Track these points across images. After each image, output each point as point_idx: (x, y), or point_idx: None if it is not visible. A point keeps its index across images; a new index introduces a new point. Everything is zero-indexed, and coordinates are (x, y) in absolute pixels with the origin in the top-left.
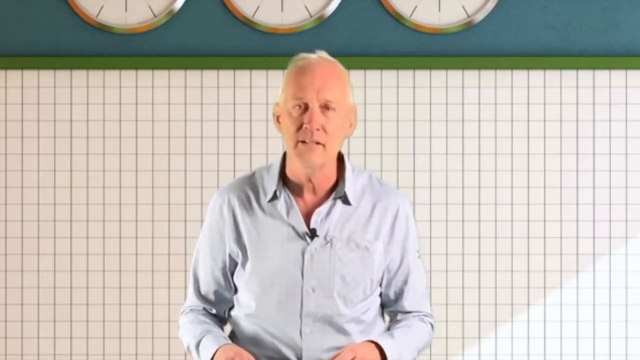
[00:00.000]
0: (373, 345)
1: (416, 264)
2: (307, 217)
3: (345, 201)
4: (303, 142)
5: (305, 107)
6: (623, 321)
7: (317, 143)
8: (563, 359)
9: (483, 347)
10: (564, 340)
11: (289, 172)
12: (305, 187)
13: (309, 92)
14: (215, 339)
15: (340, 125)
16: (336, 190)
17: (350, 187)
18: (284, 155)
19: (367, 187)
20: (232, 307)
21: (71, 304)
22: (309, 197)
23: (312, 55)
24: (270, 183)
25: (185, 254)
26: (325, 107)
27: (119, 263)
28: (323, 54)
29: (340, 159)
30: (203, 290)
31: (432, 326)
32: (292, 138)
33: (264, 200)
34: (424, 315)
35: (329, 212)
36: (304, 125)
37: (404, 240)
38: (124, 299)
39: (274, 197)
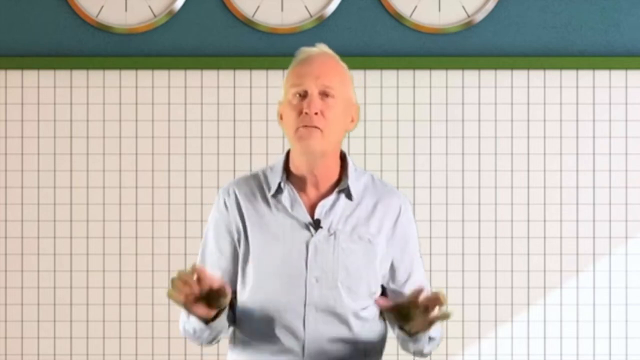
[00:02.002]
0: None
1: (419, 264)
2: (311, 211)
3: (348, 196)
4: (302, 127)
5: (305, 94)
6: (623, 321)
7: (316, 127)
8: (563, 359)
9: (483, 347)
10: (564, 340)
11: (292, 167)
12: (309, 181)
13: (308, 79)
14: None
15: (340, 115)
16: (340, 184)
17: (353, 182)
18: (287, 153)
19: (369, 186)
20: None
21: (71, 304)
22: (312, 191)
23: (313, 49)
24: (274, 178)
25: (185, 254)
26: (324, 93)
27: (119, 263)
28: (323, 46)
29: (342, 157)
30: None
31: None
32: (293, 125)
33: (268, 194)
34: None
35: (332, 205)
36: (304, 111)
37: (406, 237)
38: (124, 299)
39: (278, 190)
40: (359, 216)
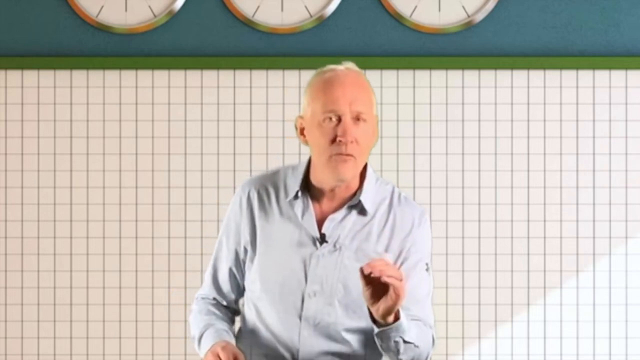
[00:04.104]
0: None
1: (420, 273)
2: (321, 223)
3: (361, 211)
4: (336, 154)
5: (338, 120)
6: (623, 321)
7: (350, 155)
8: (563, 359)
9: (483, 347)
10: (564, 340)
11: (313, 179)
12: (326, 194)
13: (342, 104)
14: (216, 333)
15: (370, 136)
16: (352, 199)
17: (368, 197)
18: (309, 159)
19: (386, 199)
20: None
21: (71, 304)
22: (326, 203)
23: (339, 67)
24: (294, 183)
25: (185, 254)
26: (357, 118)
27: (119, 263)
28: (350, 64)
29: (364, 168)
30: (218, 279)
31: (433, 339)
32: (325, 151)
33: (284, 199)
34: (423, 324)
35: (342, 220)
36: (338, 138)
37: (410, 250)
38: (124, 299)
39: (295, 197)
40: (369, 232)
